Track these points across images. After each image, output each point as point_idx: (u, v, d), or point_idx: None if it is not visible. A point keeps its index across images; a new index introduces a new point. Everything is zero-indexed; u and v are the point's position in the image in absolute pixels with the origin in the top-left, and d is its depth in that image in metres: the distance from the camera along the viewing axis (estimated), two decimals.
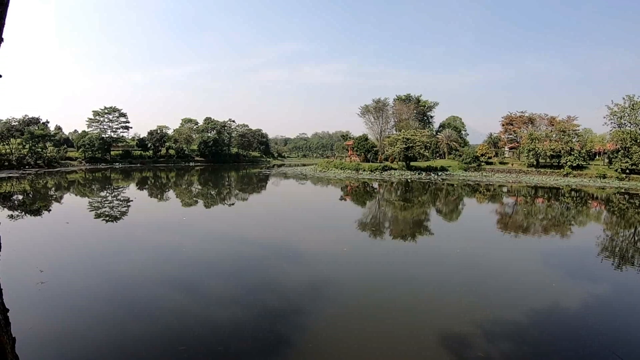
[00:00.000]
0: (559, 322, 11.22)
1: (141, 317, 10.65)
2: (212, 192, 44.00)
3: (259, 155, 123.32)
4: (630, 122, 62.16)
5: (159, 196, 39.42)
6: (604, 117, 64.57)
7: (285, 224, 26.38)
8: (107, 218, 25.43)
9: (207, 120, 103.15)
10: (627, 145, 60.76)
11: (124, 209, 29.35)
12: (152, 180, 56.01)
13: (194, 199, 38.28)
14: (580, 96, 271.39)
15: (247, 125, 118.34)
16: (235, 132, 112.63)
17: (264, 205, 35.85)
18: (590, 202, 42.25)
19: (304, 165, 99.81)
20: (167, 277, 14.07)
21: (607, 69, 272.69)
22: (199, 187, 50.49)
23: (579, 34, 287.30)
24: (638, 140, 60.12)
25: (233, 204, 35.97)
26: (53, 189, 41.78)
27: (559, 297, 13.12)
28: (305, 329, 10.29)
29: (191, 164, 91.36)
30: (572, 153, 67.64)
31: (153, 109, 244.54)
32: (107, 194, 38.15)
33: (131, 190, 42.62)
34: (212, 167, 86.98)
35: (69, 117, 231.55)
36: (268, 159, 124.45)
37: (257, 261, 16.86)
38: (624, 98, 62.21)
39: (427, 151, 78.02)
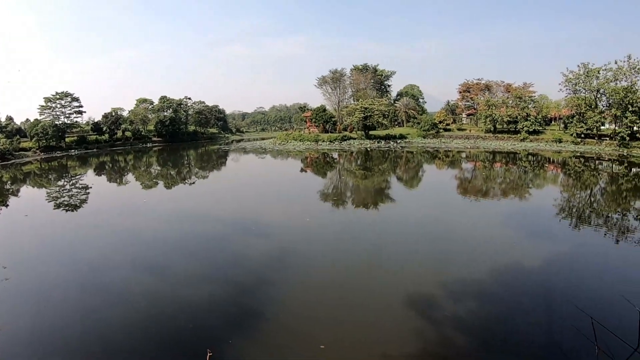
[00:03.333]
0: (521, 280, 12.34)
1: (111, 303, 11.06)
2: (172, 172, 44.34)
3: (217, 131, 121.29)
4: (585, 89, 65.10)
5: (117, 180, 39.41)
6: (559, 84, 67.34)
7: (247, 199, 27.53)
8: (67, 207, 25.75)
9: (163, 99, 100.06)
10: (582, 111, 64.07)
11: (83, 197, 29.57)
12: (110, 165, 55.06)
13: (154, 180, 38.63)
14: (538, 63, 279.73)
15: (203, 102, 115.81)
16: (192, 110, 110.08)
17: (225, 182, 36.66)
18: (547, 165, 45.19)
19: (263, 139, 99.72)
20: (132, 261, 14.66)
21: (564, 36, 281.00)
22: (158, 168, 50.42)
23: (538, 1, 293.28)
24: (592, 106, 63.51)
25: (193, 183, 36.63)
26: (8, 182, 40.66)
27: (520, 256, 14.37)
28: (273, 300, 10.99)
29: (149, 145, 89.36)
30: (529, 119, 70.85)
31: (107, 92, 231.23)
32: (65, 183, 37.75)
33: (89, 177, 42.21)
34: (170, 146, 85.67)
35: (20, 105, 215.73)
36: (227, 135, 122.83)
37: (222, 237, 17.86)
38: (578, 66, 64.97)
39: (385, 120, 79.93)
